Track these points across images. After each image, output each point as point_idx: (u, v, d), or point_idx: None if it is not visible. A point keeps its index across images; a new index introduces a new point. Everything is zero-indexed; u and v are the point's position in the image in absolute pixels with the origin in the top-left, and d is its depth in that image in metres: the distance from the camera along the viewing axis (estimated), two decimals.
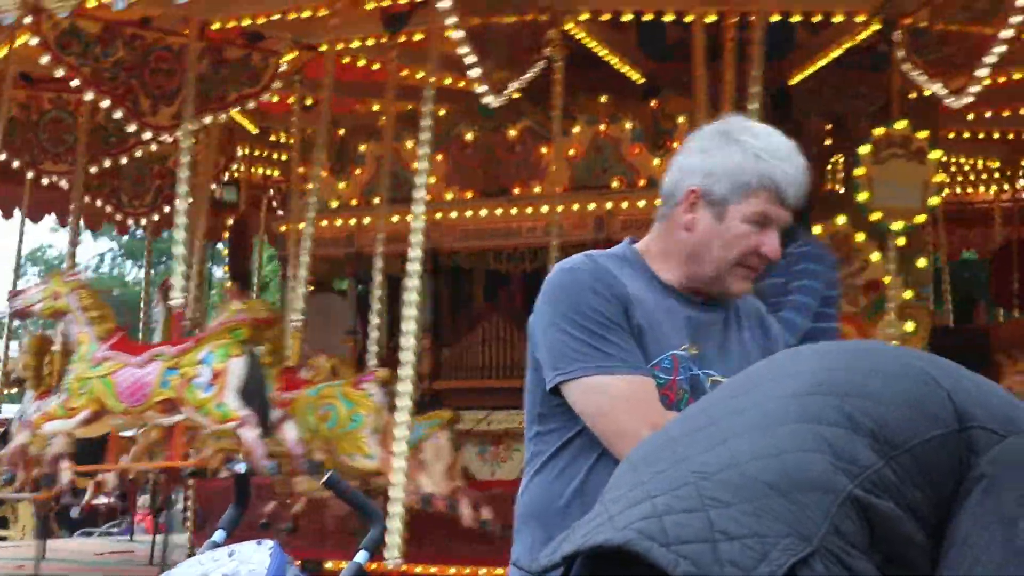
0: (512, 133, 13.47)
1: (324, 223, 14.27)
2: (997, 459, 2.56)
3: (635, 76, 13.37)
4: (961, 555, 2.51)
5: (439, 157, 13.93)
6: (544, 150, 13.36)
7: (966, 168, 18.28)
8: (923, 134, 11.85)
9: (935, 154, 12.16)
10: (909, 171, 10.81)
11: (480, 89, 10.77)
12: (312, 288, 15.70)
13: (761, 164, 3.25)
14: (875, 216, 11.77)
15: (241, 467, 4.13)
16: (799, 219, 3.48)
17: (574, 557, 2.58)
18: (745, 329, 3.42)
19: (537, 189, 13.35)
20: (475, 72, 10.73)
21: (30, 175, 14.82)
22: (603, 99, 13.25)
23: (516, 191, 13.42)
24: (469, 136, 13.70)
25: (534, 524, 3.26)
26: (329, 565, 11.76)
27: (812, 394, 2.62)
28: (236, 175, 16.80)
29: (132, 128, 12.51)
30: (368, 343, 13.17)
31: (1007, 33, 9.86)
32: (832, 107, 13.43)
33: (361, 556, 3.83)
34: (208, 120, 12.59)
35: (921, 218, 11.42)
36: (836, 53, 13.05)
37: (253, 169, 17.39)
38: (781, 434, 2.57)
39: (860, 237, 12.29)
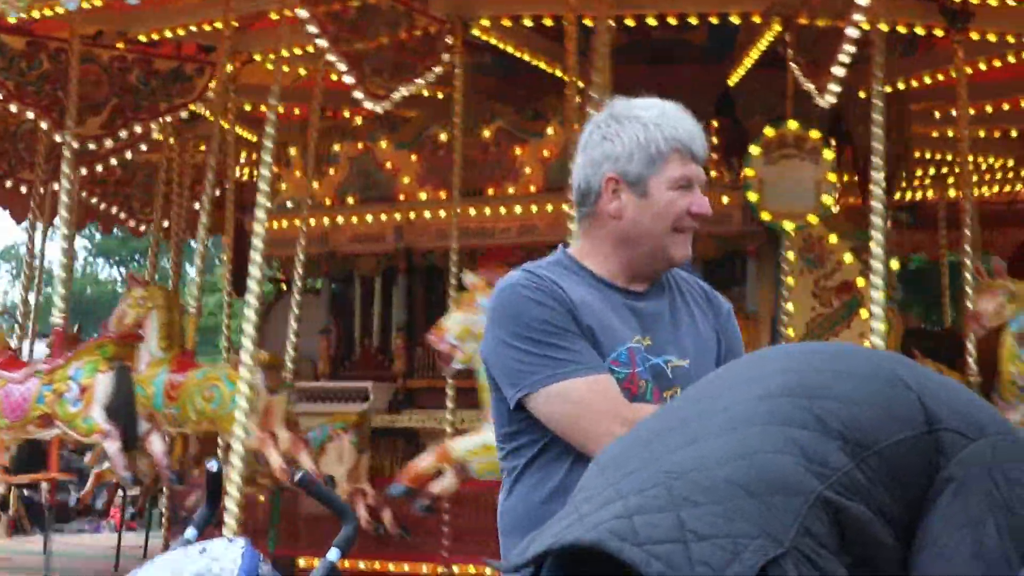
0: (486, 134, 13.48)
1: (297, 222, 14.26)
2: (965, 461, 2.57)
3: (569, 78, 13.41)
4: (932, 558, 2.52)
5: (413, 158, 13.93)
6: (518, 151, 13.36)
7: (983, 167, 18.15)
8: (816, 134, 11.78)
9: (829, 154, 12.13)
10: (802, 171, 10.69)
11: (357, 95, 10.96)
12: (285, 287, 15.69)
13: (662, 130, 3.30)
14: (764, 216, 11.74)
15: (213, 465, 4.13)
16: None
17: (545, 556, 2.59)
18: (694, 310, 3.44)
19: (511, 190, 13.35)
20: (350, 79, 10.91)
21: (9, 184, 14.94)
22: (576, 100, 13.27)
23: (490, 192, 13.42)
24: (443, 137, 13.70)
25: (516, 535, 3.27)
26: (302, 563, 11.73)
27: (782, 396, 2.63)
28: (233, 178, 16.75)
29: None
30: (342, 341, 13.16)
31: (853, 31, 9.80)
32: (774, 107, 13.43)
33: (333, 554, 3.82)
34: (139, 129, 12.72)
35: (814, 219, 11.34)
36: (756, 53, 13.05)
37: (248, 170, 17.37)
38: (751, 436, 2.58)
39: (833, 239, 12.33)
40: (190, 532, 4.00)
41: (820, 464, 2.51)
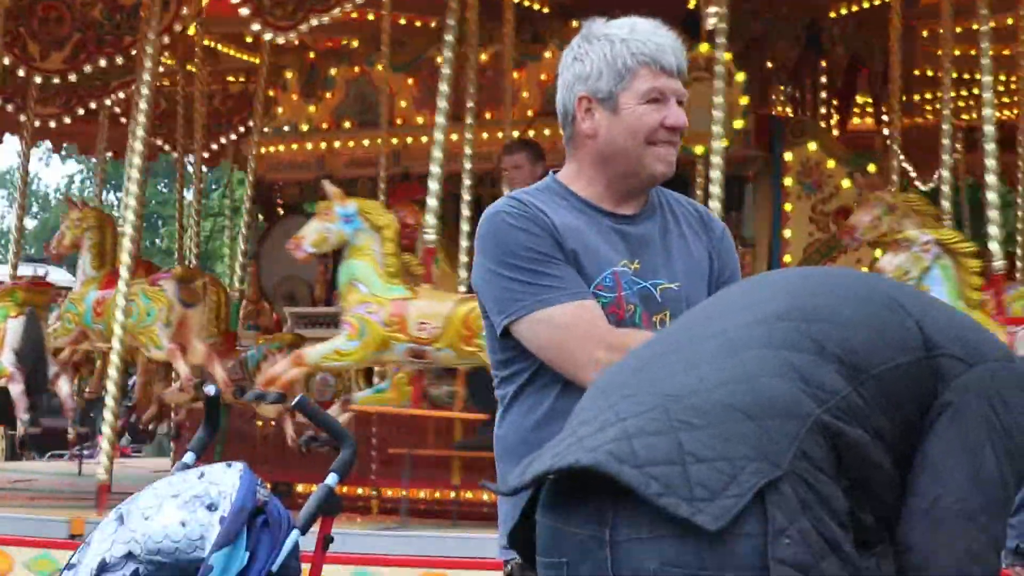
0: (484, 57, 13.41)
1: (295, 147, 14.21)
2: (964, 387, 2.58)
3: None
4: (929, 482, 2.53)
5: (410, 81, 13.87)
6: (516, 75, 13.30)
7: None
8: (728, 56, 11.61)
9: (740, 76, 11.96)
10: (713, 94, 10.48)
11: (255, 27, 10.97)
12: (283, 212, 15.67)
13: (630, 45, 3.29)
14: None
15: (211, 390, 4.13)
16: None
17: (543, 478, 2.60)
18: (686, 232, 3.42)
19: (509, 114, 13.30)
20: (245, 10, 10.92)
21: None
22: (575, 24, 13.18)
23: (487, 116, 13.37)
24: (440, 60, 13.63)
25: (508, 460, 3.28)
26: (300, 488, 11.78)
27: (780, 320, 2.63)
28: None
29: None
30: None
31: None
32: (746, 27, 13.28)
33: (331, 479, 3.83)
34: (103, 63, 12.73)
35: (724, 142, 11.20)
36: None
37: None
38: (749, 359, 2.58)
39: (831, 164, 12.32)
40: (188, 456, 4.01)
41: (817, 388, 2.52)
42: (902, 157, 12.00)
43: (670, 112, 3.29)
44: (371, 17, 13.68)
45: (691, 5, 12.32)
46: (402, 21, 14.27)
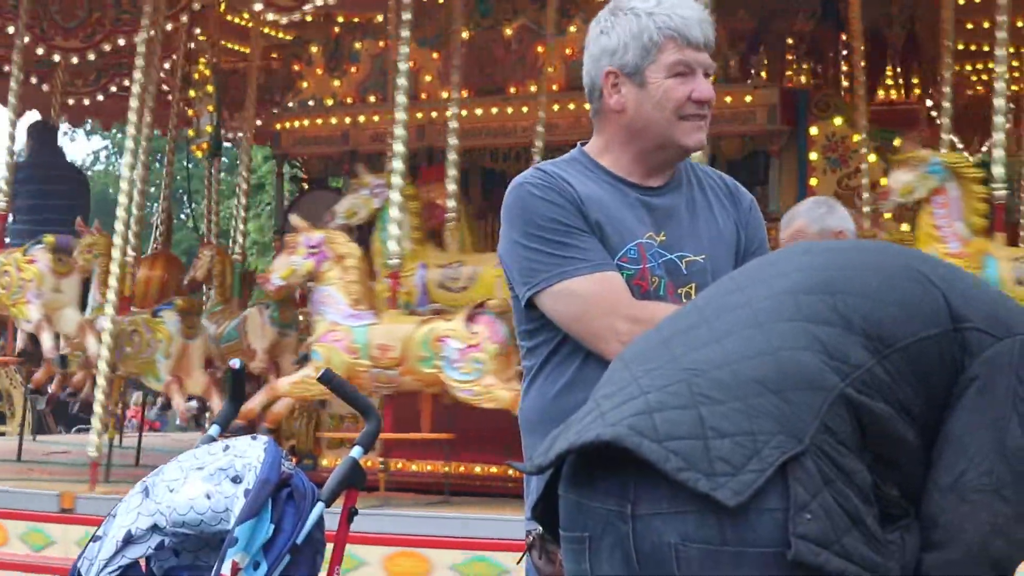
0: (508, 32, 13.38)
1: (319, 121, 14.19)
2: (990, 361, 2.57)
3: None
4: (954, 456, 2.53)
5: (435, 55, 13.84)
6: (540, 49, 13.26)
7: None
8: None
9: None
10: None
11: (256, 7, 10.99)
12: (307, 186, 15.66)
13: (656, 18, 3.28)
14: None
15: (236, 363, 4.14)
16: None
17: (567, 455, 2.60)
18: (713, 204, 3.42)
19: (533, 88, 13.26)
20: None
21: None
22: None
23: (512, 90, 13.34)
24: (465, 35, 13.60)
25: (532, 433, 3.29)
26: (325, 462, 11.82)
27: (805, 292, 2.63)
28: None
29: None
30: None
31: None
32: (763, 3, 13.25)
33: (356, 451, 3.84)
34: (122, 42, 12.74)
35: None
36: None
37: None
38: (774, 332, 2.58)
39: (856, 138, 12.26)
40: (213, 429, 4.03)
41: (842, 361, 2.51)
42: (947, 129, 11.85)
43: (697, 85, 3.28)
44: None
45: None
46: None
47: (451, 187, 11.32)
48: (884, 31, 14.04)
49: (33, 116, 15.87)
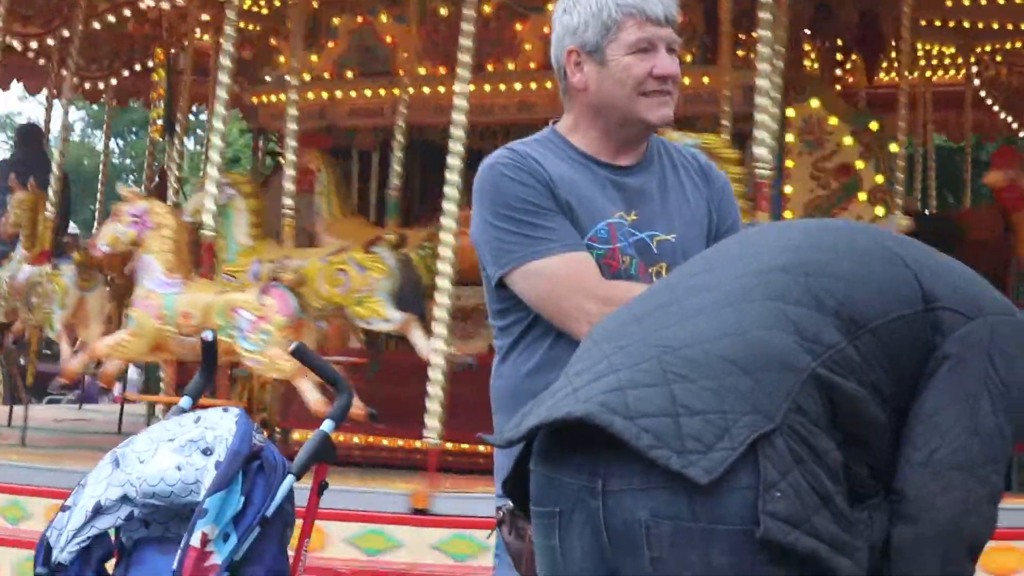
0: (487, 9, 13.35)
1: (296, 96, 14.16)
2: (962, 340, 2.58)
3: None
4: (926, 433, 2.54)
5: (412, 32, 13.81)
6: (519, 27, 13.23)
7: (933, 52, 18.02)
8: None
9: None
10: None
11: None
12: (282, 160, 15.60)
13: None
14: None
15: (208, 335, 4.13)
16: None
17: (537, 430, 2.60)
18: (685, 183, 3.42)
19: (511, 66, 13.24)
20: None
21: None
22: None
23: (490, 68, 13.31)
24: (443, 11, 13.56)
25: (502, 410, 3.30)
26: (296, 436, 11.79)
27: (777, 271, 2.63)
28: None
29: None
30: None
31: None
32: None
33: (327, 425, 3.84)
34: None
35: None
36: None
37: (206, 36, 17.05)
38: (745, 311, 2.58)
39: (833, 121, 12.25)
40: (185, 401, 4.02)
41: (813, 341, 2.52)
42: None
43: (658, 61, 3.28)
44: None
45: None
46: None
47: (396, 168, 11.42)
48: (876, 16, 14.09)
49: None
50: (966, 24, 15.00)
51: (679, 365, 2.52)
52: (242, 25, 16.39)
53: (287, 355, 9.45)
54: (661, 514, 2.42)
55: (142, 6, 12.97)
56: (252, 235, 11.09)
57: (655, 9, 3.26)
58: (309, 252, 11.29)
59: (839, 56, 15.08)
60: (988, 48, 16.16)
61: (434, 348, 9.47)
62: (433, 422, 9.22)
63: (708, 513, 2.40)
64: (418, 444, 9.54)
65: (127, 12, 14.10)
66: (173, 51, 15.83)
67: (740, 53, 12.85)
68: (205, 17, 14.44)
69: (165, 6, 12.85)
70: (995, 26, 15.27)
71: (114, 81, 16.48)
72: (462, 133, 10.19)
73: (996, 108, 17.12)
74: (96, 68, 16.10)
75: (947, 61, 17.07)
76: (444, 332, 9.49)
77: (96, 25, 14.55)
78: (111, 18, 14.26)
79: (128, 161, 44.56)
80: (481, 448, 11.36)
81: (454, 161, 10.04)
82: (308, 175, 12.36)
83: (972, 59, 16.13)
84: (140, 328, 10.22)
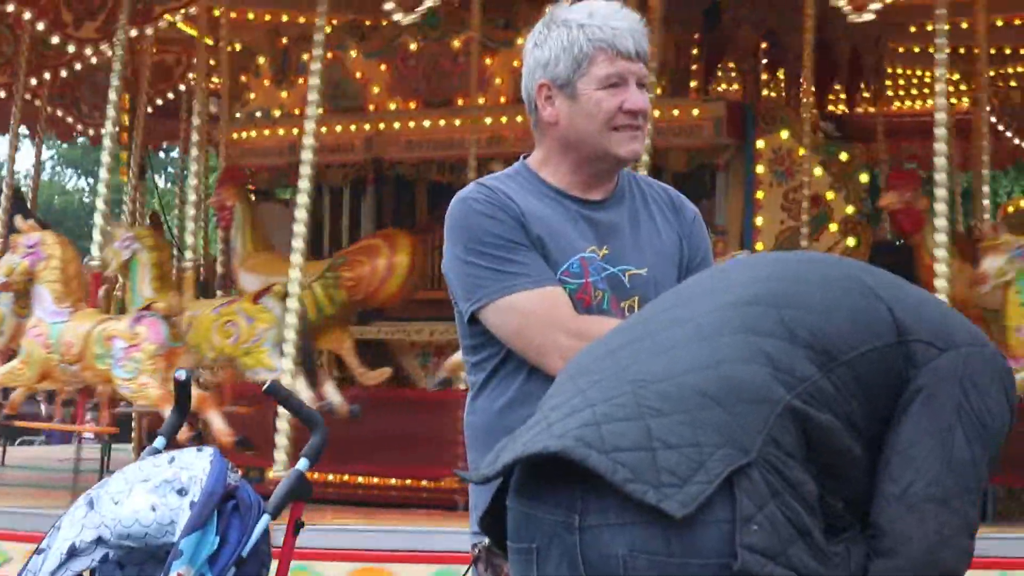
0: (456, 44, 13.38)
1: (267, 132, 14.14)
2: (936, 372, 2.59)
3: None
4: (901, 467, 2.54)
5: (383, 67, 13.82)
6: (488, 61, 13.27)
7: (902, 81, 18.15)
8: None
9: None
10: None
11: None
12: (253, 197, 15.58)
13: (587, 30, 3.28)
14: None
15: (181, 374, 4.12)
16: None
17: (514, 466, 2.60)
18: (656, 216, 3.42)
19: (481, 100, 13.27)
20: None
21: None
22: (547, 9, 13.14)
23: (459, 102, 13.34)
24: (413, 46, 13.58)
25: (477, 447, 3.29)
26: (271, 474, 11.76)
27: (751, 304, 2.63)
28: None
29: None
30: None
31: None
32: (765, 21, 13.33)
33: (302, 464, 3.83)
34: (134, 33, 12.54)
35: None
36: None
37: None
38: (719, 345, 2.58)
39: (802, 152, 12.32)
40: (159, 441, 4.00)
41: (788, 373, 2.52)
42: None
43: (629, 96, 3.28)
44: None
45: None
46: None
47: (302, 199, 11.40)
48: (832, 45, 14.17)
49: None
50: (969, 50, 15.08)
51: (654, 399, 2.52)
52: (212, 63, 16.54)
53: (156, 383, 10.02)
54: (638, 548, 2.41)
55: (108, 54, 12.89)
56: (155, 288, 11.09)
57: (626, 44, 3.27)
58: (204, 304, 11.52)
59: (835, 87, 15.20)
60: (992, 73, 16.20)
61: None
62: (281, 455, 9.73)
63: (684, 547, 2.40)
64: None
65: (94, 61, 14.07)
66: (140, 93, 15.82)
67: (720, 86, 12.94)
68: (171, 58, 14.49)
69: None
70: (995, 51, 15.36)
71: (88, 129, 16.43)
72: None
73: (1010, 134, 17.17)
74: (66, 110, 16.08)
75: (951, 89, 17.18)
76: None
77: (63, 73, 14.59)
78: (77, 66, 14.26)
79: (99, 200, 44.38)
80: (360, 479, 11.56)
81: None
82: (225, 211, 12.60)
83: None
84: (29, 357, 10.48)
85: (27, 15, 12.14)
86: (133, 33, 12.15)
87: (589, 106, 3.28)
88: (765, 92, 14.44)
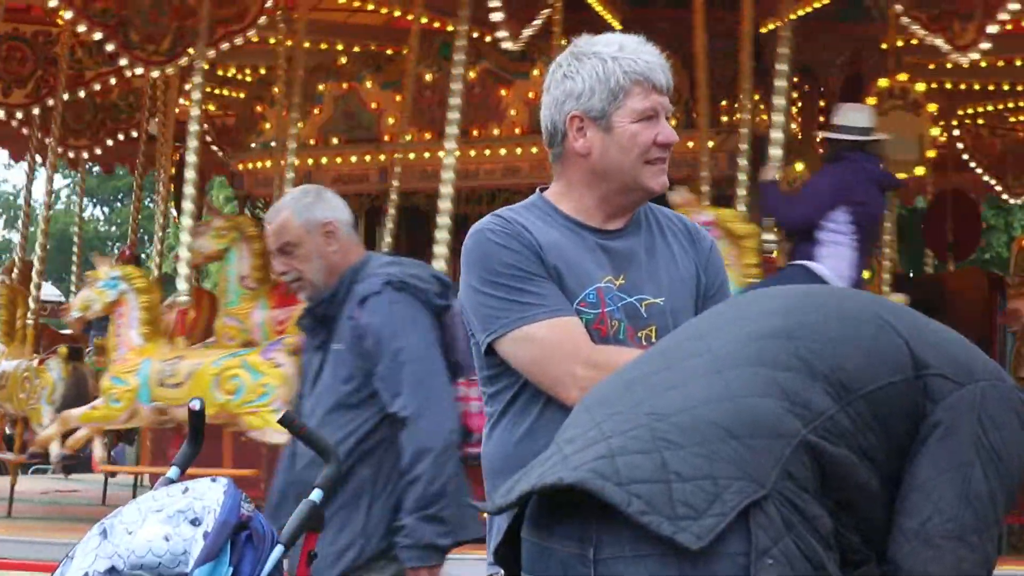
0: (472, 75, 13.41)
1: (282, 162, 14.19)
2: (953, 407, 2.58)
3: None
4: (919, 502, 2.53)
5: (397, 98, 13.86)
6: (504, 92, 13.30)
7: None
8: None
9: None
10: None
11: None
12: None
13: (621, 63, 3.29)
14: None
15: (196, 404, 4.11)
16: None
17: (529, 496, 2.60)
18: (673, 246, 3.43)
19: (496, 131, 13.29)
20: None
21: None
22: (562, 42, 13.18)
23: (475, 133, 13.37)
24: (428, 77, 13.62)
25: (494, 477, 3.29)
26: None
27: (767, 338, 2.63)
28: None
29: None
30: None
31: None
32: (800, 56, 13.38)
33: (316, 494, 3.82)
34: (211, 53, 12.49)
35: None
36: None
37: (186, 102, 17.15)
38: (735, 378, 2.58)
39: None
40: (172, 471, 3.99)
41: (804, 407, 2.51)
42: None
43: (662, 129, 3.30)
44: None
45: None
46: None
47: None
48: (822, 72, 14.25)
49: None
50: (948, 86, 15.14)
51: (669, 431, 2.51)
52: (226, 92, 16.59)
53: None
54: None
55: (127, 74, 12.95)
56: (143, 333, 10.83)
57: (660, 78, 3.29)
58: (202, 352, 11.16)
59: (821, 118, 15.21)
60: (971, 111, 16.26)
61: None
62: None
63: None
64: None
65: (112, 80, 14.14)
66: (156, 119, 15.88)
67: (725, 119, 12.93)
68: (188, 86, 14.49)
69: (155, 74, 12.83)
70: (977, 87, 15.41)
71: (99, 150, 16.50)
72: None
73: (980, 171, 17.22)
74: (80, 136, 16.13)
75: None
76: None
77: (81, 93, 14.63)
78: (96, 86, 14.33)
79: (113, 229, 44.58)
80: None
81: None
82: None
83: (955, 122, 16.27)
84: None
85: (98, 35, 12.06)
86: (211, 54, 12.06)
87: (624, 139, 3.28)
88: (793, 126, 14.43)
